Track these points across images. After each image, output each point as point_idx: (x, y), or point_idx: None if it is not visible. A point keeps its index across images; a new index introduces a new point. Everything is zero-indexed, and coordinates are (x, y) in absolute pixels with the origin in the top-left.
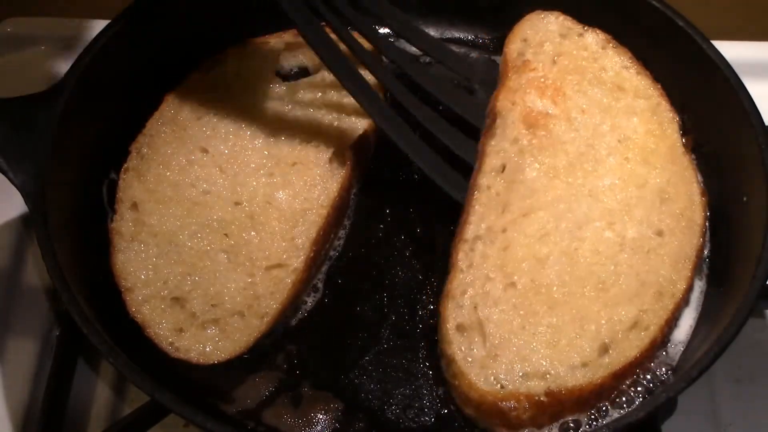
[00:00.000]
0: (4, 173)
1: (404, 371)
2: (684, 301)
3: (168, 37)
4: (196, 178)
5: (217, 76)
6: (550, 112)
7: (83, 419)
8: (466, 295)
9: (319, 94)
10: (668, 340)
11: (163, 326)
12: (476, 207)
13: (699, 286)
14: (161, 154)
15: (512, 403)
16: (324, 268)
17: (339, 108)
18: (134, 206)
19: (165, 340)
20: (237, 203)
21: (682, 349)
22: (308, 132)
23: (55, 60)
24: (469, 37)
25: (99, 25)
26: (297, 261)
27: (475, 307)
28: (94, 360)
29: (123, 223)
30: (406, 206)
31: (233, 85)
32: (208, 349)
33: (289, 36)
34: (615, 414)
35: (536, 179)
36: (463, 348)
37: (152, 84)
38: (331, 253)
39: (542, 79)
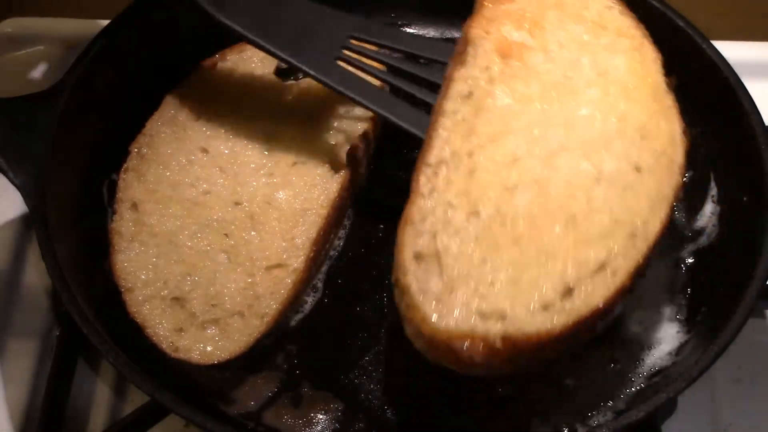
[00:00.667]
0: (4, 173)
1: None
2: (657, 247)
3: (168, 37)
4: (196, 178)
5: (217, 76)
6: (526, 43)
7: (83, 419)
8: (426, 222)
9: (319, 94)
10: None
11: (163, 326)
12: (440, 131)
13: None
14: (161, 154)
15: (465, 344)
16: (324, 268)
17: (339, 108)
18: (134, 206)
19: (165, 340)
20: (237, 203)
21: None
22: (308, 132)
23: (55, 60)
24: None
25: (99, 25)
26: (297, 261)
27: (435, 236)
28: (94, 360)
29: (123, 223)
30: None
31: (233, 85)
32: (208, 349)
33: None
34: (613, 414)
35: (507, 106)
36: (418, 278)
37: (152, 84)
38: (331, 253)
39: (520, 12)
